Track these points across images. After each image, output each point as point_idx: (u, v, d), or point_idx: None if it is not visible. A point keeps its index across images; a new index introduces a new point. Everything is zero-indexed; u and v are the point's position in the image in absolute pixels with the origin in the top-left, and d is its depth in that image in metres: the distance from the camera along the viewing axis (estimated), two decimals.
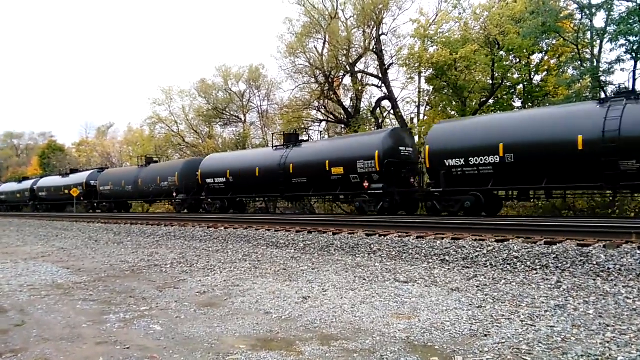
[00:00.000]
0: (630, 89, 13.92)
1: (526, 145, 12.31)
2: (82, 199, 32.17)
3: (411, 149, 16.51)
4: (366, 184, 15.70)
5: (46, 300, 5.81)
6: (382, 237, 9.48)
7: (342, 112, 27.68)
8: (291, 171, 18.03)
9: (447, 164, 13.72)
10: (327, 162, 16.78)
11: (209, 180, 22.08)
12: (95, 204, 32.02)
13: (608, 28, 17.56)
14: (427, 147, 14.47)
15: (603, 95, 18.04)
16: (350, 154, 16.30)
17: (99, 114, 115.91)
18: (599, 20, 19.98)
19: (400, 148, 15.93)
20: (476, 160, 13.19)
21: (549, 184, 12.33)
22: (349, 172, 16.15)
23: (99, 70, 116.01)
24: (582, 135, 11.31)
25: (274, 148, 20.12)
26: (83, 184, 32.15)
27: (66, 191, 33.18)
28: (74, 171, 36.70)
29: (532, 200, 14.98)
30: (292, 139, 19.58)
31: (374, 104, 26.85)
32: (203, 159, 24.04)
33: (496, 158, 12.75)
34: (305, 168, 17.77)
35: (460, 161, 13.50)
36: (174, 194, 24.32)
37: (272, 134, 26.14)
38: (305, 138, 22.78)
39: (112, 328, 4.53)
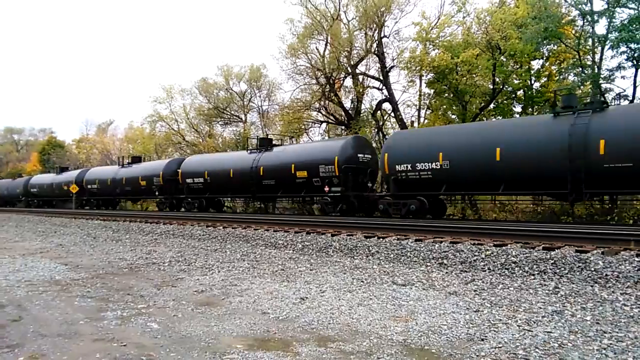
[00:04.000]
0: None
1: None
2: (156, 194, 25.75)
3: None
4: None
5: (44, 296, 5.80)
6: (381, 239, 9.49)
7: (343, 113, 27.71)
8: (601, 152, 11.60)
9: None
10: None
11: (401, 167, 15.03)
12: (175, 201, 25.06)
13: (609, 35, 17.61)
14: None
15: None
16: None
17: (99, 110, 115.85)
18: (601, 27, 20.08)
19: None
20: None
21: None
22: None
23: (100, 67, 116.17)
24: None
25: (553, 114, 12.82)
26: (160, 175, 24.87)
27: (133, 186, 26.23)
28: (135, 160, 29.76)
29: None
30: (593, 104, 12.31)
31: (374, 106, 26.90)
32: (390, 137, 17.51)
33: None
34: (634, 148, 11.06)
35: None
36: (326, 189, 17.52)
37: (556, 91, 14.20)
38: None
39: (109, 325, 4.53)
